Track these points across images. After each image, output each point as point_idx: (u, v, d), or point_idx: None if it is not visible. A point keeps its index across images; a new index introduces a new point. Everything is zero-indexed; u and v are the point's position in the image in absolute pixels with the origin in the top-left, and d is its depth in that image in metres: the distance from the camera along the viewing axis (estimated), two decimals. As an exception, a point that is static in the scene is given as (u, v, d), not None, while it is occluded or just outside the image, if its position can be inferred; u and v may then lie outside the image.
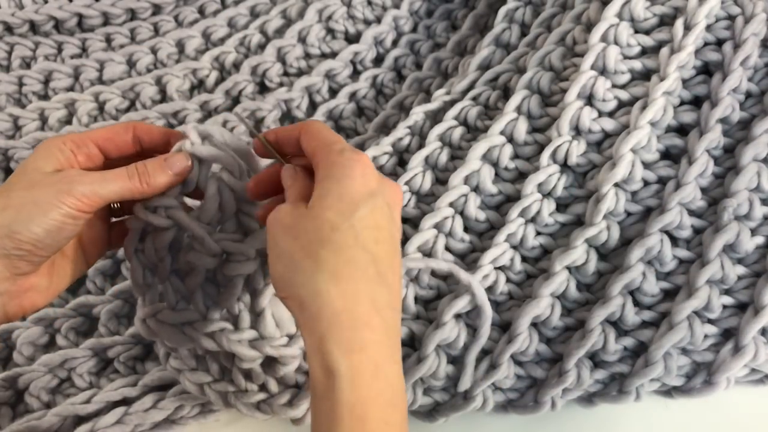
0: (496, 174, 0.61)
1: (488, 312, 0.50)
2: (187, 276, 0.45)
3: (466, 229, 0.59)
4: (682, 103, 0.61)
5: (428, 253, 0.57)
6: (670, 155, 0.61)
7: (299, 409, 0.50)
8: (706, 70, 0.62)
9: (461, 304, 0.53)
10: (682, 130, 0.61)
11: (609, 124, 0.60)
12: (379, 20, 0.80)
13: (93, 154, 0.43)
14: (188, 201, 0.47)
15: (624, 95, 0.61)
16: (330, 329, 0.36)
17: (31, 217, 0.39)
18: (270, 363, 0.48)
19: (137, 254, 0.44)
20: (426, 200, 0.62)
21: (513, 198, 0.60)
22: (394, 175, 0.64)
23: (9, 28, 0.79)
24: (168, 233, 0.44)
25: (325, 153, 0.40)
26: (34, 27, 0.80)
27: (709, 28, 0.62)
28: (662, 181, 0.59)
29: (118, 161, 0.44)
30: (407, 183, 0.61)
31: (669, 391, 0.56)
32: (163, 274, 0.45)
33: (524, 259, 0.58)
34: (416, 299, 0.56)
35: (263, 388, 0.49)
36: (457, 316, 0.54)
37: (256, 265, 0.45)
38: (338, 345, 0.36)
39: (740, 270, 0.56)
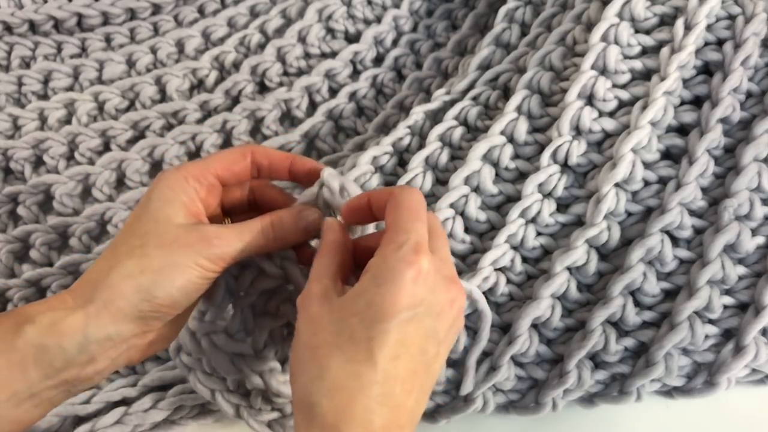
0: (497, 174, 0.61)
1: (488, 316, 0.50)
2: (263, 316, 0.44)
3: (466, 230, 0.59)
4: (683, 103, 0.61)
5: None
6: (670, 155, 0.61)
7: None
8: (707, 70, 0.62)
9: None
10: (682, 130, 0.61)
11: (609, 124, 0.60)
12: (379, 20, 0.80)
13: (213, 186, 0.42)
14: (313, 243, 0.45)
15: (624, 95, 0.61)
16: None
17: (172, 281, 0.38)
18: None
19: (228, 277, 0.43)
20: (426, 201, 0.61)
21: (513, 198, 0.60)
22: (394, 175, 0.64)
23: (8, 28, 0.79)
24: (274, 280, 0.42)
25: (387, 241, 0.37)
26: (33, 27, 0.80)
27: (709, 27, 0.62)
28: (663, 181, 0.59)
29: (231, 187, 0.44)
30: (408, 183, 0.61)
31: (670, 392, 0.56)
32: (241, 304, 0.43)
33: (525, 259, 0.58)
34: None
35: (277, 409, 0.49)
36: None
37: None
38: None
39: (741, 270, 0.56)
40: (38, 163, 0.71)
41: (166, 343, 0.42)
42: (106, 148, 0.72)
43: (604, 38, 0.62)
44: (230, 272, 0.43)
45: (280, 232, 0.41)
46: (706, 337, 0.55)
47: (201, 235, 0.39)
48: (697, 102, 0.61)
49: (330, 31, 0.80)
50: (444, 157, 0.63)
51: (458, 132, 0.64)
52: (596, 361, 0.55)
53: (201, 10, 0.83)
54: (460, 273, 0.58)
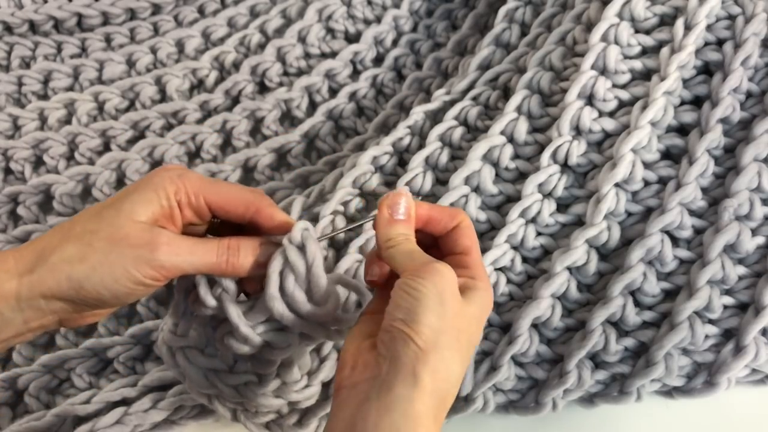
0: (497, 174, 0.61)
1: None
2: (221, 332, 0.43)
3: (466, 230, 0.59)
4: (683, 103, 0.61)
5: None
6: (670, 155, 0.61)
7: (309, 428, 0.50)
8: (707, 70, 0.62)
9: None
10: (682, 130, 0.61)
11: (609, 124, 0.60)
12: (379, 20, 0.80)
13: (202, 212, 0.41)
14: None
15: (624, 95, 0.61)
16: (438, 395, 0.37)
17: (102, 281, 0.38)
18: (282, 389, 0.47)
19: (186, 293, 0.42)
20: (427, 201, 0.61)
21: (513, 198, 0.60)
22: (394, 175, 0.64)
23: (8, 28, 0.79)
24: (210, 309, 0.41)
25: (481, 270, 0.42)
26: (33, 27, 0.80)
27: (709, 27, 0.62)
28: (663, 181, 0.59)
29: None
30: (408, 183, 0.61)
31: (670, 392, 0.56)
32: (202, 323, 0.43)
33: (525, 259, 0.58)
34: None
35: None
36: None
37: (294, 349, 0.43)
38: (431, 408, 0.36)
39: (741, 270, 0.56)
40: (38, 163, 0.71)
41: (101, 317, 0.42)
42: (106, 148, 0.72)
43: (604, 38, 0.62)
44: (189, 289, 0.42)
45: (234, 258, 0.40)
46: (706, 337, 0.55)
47: (151, 237, 0.38)
48: (697, 102, 0.61)
49: (330, 31, 0.80)
50: (444, 157, 0.63)
51: (458, 132, 0.64)
52: (596, 361, 0.55)
53: (201, 10, 0.83)
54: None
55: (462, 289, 0.40)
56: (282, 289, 0.40)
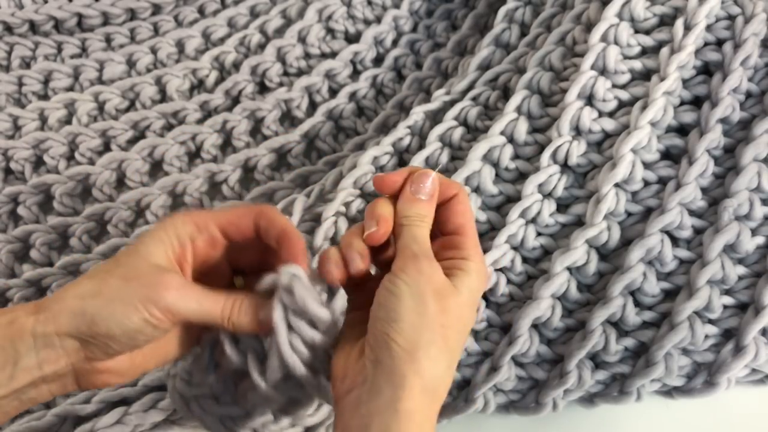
0: (497, 174, 0.61)
1: None
2: (243, 387, 0.43)
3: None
4: (683, 103, 0.61)
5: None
6: (670, 155, 0.61)
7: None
8: (707, 70, 0.62)
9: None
10: (682, 130, 0.61)
11: (609, 124, 0.60)
12: (379, 20, 0.80)
13: (215, 238, 0.41)
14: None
15: (624, 95, 0.61)
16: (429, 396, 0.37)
17: (113, 315, 0.38)
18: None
19: (212, 346, 0.42)
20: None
21: (513, 199, 0.60)
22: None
23: (9, 28, 0.79)
24: (234, 363, 0.41)
25: (476, 250, 0.41)
26: (33, 27, 0.80)
27: (709, 28, 0.62)
28: (662, 181, 0.59)
29: (242, 245, 0.43)
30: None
31: (670, 392, 0.56)
32: (221, 374, 0.43)
33: (525, 260, 0.58)
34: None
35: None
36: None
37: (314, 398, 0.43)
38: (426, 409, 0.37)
39: (741, 270, 0.56)
40: (38, 163, 0.71)
41: (119, 379, 0.41)
42: (106, 148, 0.72)
43: (604, 38, 0.62)
44: (213, 338, 0.42)
45: (237, 316, 0.40)
46: (706, 337, 0.55)
47: (162, 280, 0.38)
48: (696, 102, 0.61)
49: (330, 31, 0.80)
50: (444, 158, 0.63)
51: (458, 132, 0.64)
52: (596, 361, 0.55)
53: (201, 11, 0.83)
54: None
55: (450, 273, 0.40)
56: (290, 328, 0.39)
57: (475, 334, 0.55)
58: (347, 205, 0.60)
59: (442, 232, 0.42)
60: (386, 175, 0.43)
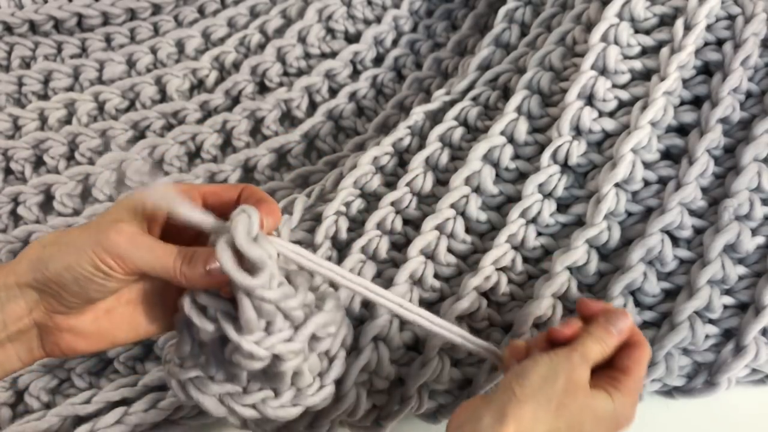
0: (497, 175, 0.61)
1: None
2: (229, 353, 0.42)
3: (467, 230, 0.59)
4: (683, 103, 0.61)
5: (430, 255, 0.57)
6: (670, 155, 0.61)
7: (321, 430, 0.50)
8: (707, 70, 0.62)
9: (464, 306, 0.53)
10: (682, 130, 0.61)
11: (609, 124, 0.60)
12: (379, 20, 0.80)
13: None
14: None
15: (624, 95, 0.61)
16: None
17: (64, 260, 0.38)
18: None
19: (186, 324, 0.42)
20: (427, 201, 0.61)
21: (514, 199, 0.60)
22: (394, 175, 0.64)
23: (9, 28, 0.79)
24: (209, 333, 0.40)
25: (634, 394, 0.43)
26: (33, 27, 0.80)
27: (709, 28, 0.62)
28: (663, 181, 0.59)
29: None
30: (408, 184, 0.61)
31: (670, 392, 0.56)
32: (210, 352, 0.42)
33: (525, 259, 0.58)
34: (420, 302, 0.56)
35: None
36: (460, 318, 0.54)
37: (305, 354, 0.43)
38: None
39: (741, 270, 0.56)
40: (38, 163, 0.71)
41: (86, 343, 0.41)
42: (106, 148, 0.72)
43: (604, 38, 0.62)
44: (188, 322, 0.41)
45: (188, 266, 0.39)
46: (707, 337, 0.55)
47: (115, 227, 0.38)
48: (696, 102, 0.61)
49: (330, 31, 0.80)
50: (444, 158, 0.63)
51: (458, 132, 0.64)
52: (596, 360, 0.55)
53: (201, 11, 0.84)
54: (460, 273, 0.58)
55: (596, 388, 0.42)
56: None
57: (477, 333, 0.55)
58: (347, 204, 0.60)
59: (609, 364, 0.44)
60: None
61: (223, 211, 0.40)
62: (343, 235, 0.59)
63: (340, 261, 0.57)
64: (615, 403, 0.41)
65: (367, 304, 0.54)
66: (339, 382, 0.49)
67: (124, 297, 0.41)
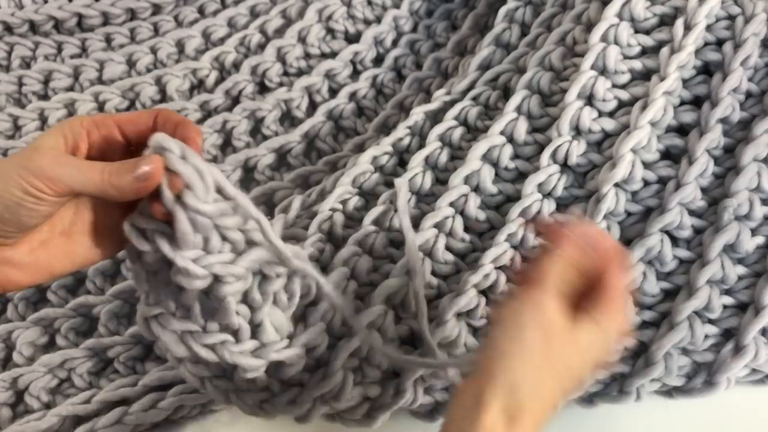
0: (497, 174, 0.61)
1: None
2: (182, 289, 0.43)
3: (466, 229, 0.59)
4: (683, 103, 0.61)
5: (428, 252, 0.57)
6: (670, 155, 0.61)
7: (302, 407, 0.50)
8: (707, 70, 0.62)
9: (462, 303, 0.53)
10: (682, 130, 0.61)
11: (609, 124, 0.60)
12: (379, 20, 0.80)
13: (112, 137, 0.41)
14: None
15: (624, 95, 0.61)
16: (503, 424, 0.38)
17: None
18: (274, 365, 0.47)
19: (138, 258, 0.42)
20: (426, 200, 0.61)
21: (513, 198, 0.60)
22: (394, 175, 0.64)
23: (9, 28, 0.79)
24: (155, 254, 0.41)
25: (615, 305, 0.40)
26: (33, 27, 0.80)
27: (709, 28, 0.62)
28: (662, 181, 0.59)
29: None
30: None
31: (669, 392, 0.56)
32: (162, 282, 0.43)
33: (525, 259, 0.58)
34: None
35: (265, 388, 0.49)
36: (458, 315, 0.54)
37: (248, 283, 0.43)
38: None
39: (740, 270, 0.56)
40: (38, 163, 0.71)
41: (23, 275, 0.41)
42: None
43: (604, 38, 0.62)
44: (138, 252, 0.42)
45: (116, 176, 0.39)
46: (706, 336, 0.55)
47: (39, 151, 0.39)
48: (696, 102, 0.61)
49: (330, 31, 0.80)
50: (444, 157, 0.63)
51: (458, 132, 0.64)
52: (596, 360, 0.55)
53: (201, 11, 0.84)
54: (458, 271, 0.58)
55: (579, 316, 0.40)
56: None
57: (475, 331, 0.55)
58: (344, 202, 0.60)
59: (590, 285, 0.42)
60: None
61: (141, 139, 0.41)
62: (339, 230, 0.59)
63: (333, 255, 0.57)
64: (601, 325, 0.39)
65: (363, 298, 0.54)
66: (327, 363, 0.50)
67: (57, 228, 0.41)
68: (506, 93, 0.67)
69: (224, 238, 0.41)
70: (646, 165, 0.59)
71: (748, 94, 0.61)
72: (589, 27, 0.64)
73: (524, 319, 0.39)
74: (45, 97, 0.76)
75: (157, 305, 0.44)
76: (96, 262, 0.45)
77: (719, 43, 0.62)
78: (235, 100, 0.76)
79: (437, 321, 0.54)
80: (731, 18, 0.62)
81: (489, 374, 0.38)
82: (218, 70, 0.78)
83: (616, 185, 0.58)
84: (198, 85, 0.77)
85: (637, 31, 0.63)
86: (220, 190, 0.40)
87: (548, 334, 0.39)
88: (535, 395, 0.38)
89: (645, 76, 0.62)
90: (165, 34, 0.80)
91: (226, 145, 0.73)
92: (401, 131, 0.65)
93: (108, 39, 0.80)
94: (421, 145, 0.64)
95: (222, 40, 0.80)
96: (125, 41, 0.80)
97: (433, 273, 0.57)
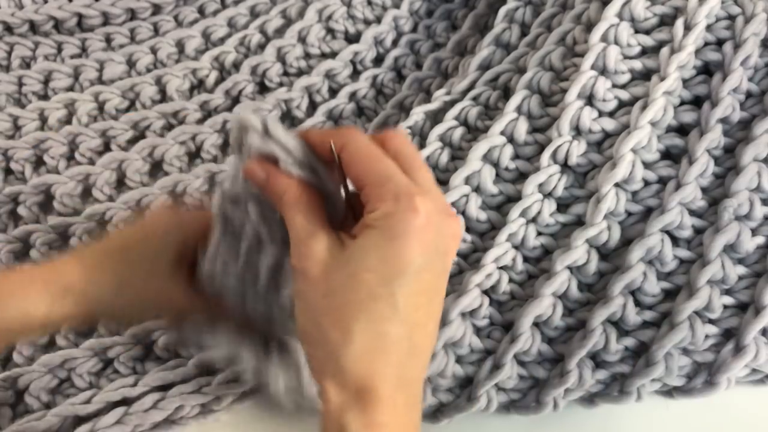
0: (497, 174, 0.61)
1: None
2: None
3: (467, 230, 0.59)
4: (683, 103, 0.61)
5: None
6: (670, 155, 0.61)
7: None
8: (707, 70, 0.62)
9: (466, 302, 0.53)
10: (682, 130, 0.61)
11: (609, 124, 0.60)
12: (379, 20, 0.80)
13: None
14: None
15: (624, 95, 0.61)
16: (350, 405, 0.33)
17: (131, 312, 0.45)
18: None
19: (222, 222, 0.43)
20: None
21: (514, 198, 0.60)
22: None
23: (9, 28, 0.79)
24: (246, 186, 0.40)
25: (377, 193, 0.34)
26: (33, 27, 0.80)
27: (709, 28, 0.62)
28: (663, 181, 0.59)
29: None
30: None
31: (670, 392, 0.56)
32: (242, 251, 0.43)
33: (526, 259, 0.58)
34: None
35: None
36: (463, 315, 0.54)
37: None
38: (357, 421, 0.33)
39: (741, 270, 0.56)
40: (38, 163, 0.71)
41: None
42: (107, 148, 0.72)
43: (604, 38, 0.62)
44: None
45: None
46: (706, 336, 0.55)
47: (171, 298, 0.44)
48: (696, 102, 0.61)
49: (330, 31, 0.80)
50: (444, 157, 0.63)
51: (458, 132, 0.64)
52: (597, 360, 0.55)
53: (201, 11, 0.83)
54: (461, 272, 0.58)
55: (360, 230, 0.35)
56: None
57: (478, 331, 0.55)
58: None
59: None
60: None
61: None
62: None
63: None
64: (378, 222, 0.33)
65: None
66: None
67: None
68: (506, 93, 0.67)
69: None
70: (647, 165, 0.59)
71: (748, 94, 0.61)
72: (589, 27, 0.64)
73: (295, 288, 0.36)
74: (45, 97, 0.76)
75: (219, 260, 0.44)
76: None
77: (719, 43, 0.62)
78: (236, 100, 0.76)
79: (442, 321, 0.54)
80: (731, 18, 0.62)
81: (311, 362, 0.36)
82: (218, 70, 0.78)
83: (617, 185, 0.58)
84: (198, 85, 0.77)
85: (637, 31, 0.63)
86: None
87: (315, 285, 0.34)
88: (360, 354, 0.33)
89: (645, 76, 0.62)
90: (165, 34, 0.80)
91: (227, 145, 0.73)
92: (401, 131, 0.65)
93: (108, 39, 0.80)
94: (422, 146, 0.64)
95: (222, 40, 0.80)
96: (125, 41, 0.80)
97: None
